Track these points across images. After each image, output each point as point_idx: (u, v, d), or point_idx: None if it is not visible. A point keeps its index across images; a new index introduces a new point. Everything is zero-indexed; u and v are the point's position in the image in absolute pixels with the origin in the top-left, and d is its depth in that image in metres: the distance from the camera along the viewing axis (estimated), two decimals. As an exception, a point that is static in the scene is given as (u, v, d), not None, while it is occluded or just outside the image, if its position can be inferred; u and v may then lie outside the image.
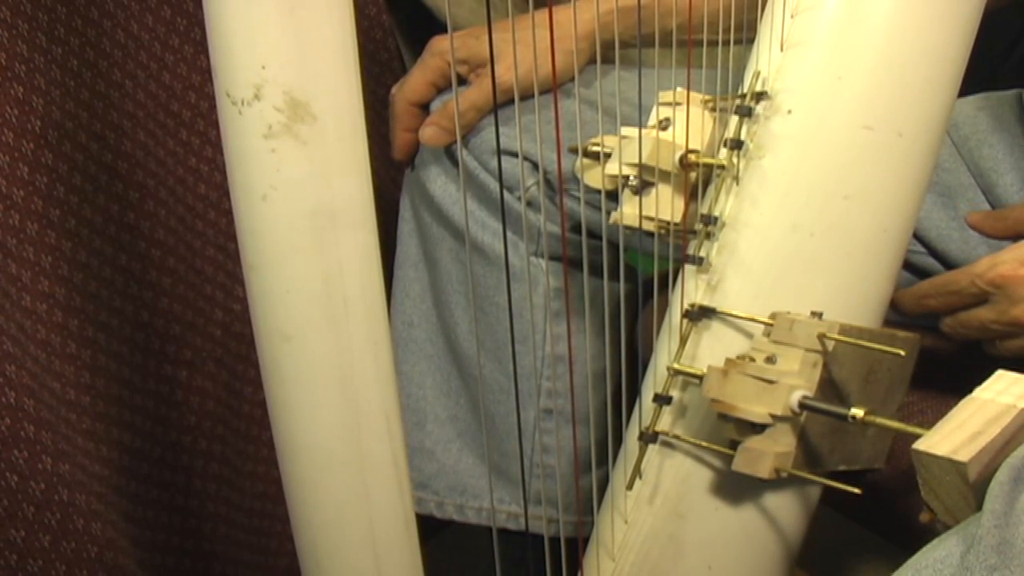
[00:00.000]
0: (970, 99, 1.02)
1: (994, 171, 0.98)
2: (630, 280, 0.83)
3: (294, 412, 0.65)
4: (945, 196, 0.99)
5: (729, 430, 0.77)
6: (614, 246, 0.91)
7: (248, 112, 0.58)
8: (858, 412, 0.72)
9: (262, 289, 0.62)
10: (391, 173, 1.18)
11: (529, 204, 1.04)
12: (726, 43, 0.80)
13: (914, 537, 0.63)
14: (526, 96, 0.89)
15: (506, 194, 1.03)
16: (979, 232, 0.94)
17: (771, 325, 0.76)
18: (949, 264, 0.99)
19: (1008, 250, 0.79)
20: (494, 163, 1.05)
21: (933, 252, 1.00)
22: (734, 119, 0.80)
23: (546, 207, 1.04)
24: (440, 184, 1.08)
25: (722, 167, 0.79)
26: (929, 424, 0.66)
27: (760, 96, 0.79)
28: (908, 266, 1.01)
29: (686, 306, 0.81)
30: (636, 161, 0.81)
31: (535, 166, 1.01)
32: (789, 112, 0.79)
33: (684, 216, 0.82)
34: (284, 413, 0.65)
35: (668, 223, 0.81)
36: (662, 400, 0.81)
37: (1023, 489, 0.56)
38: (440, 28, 1.46)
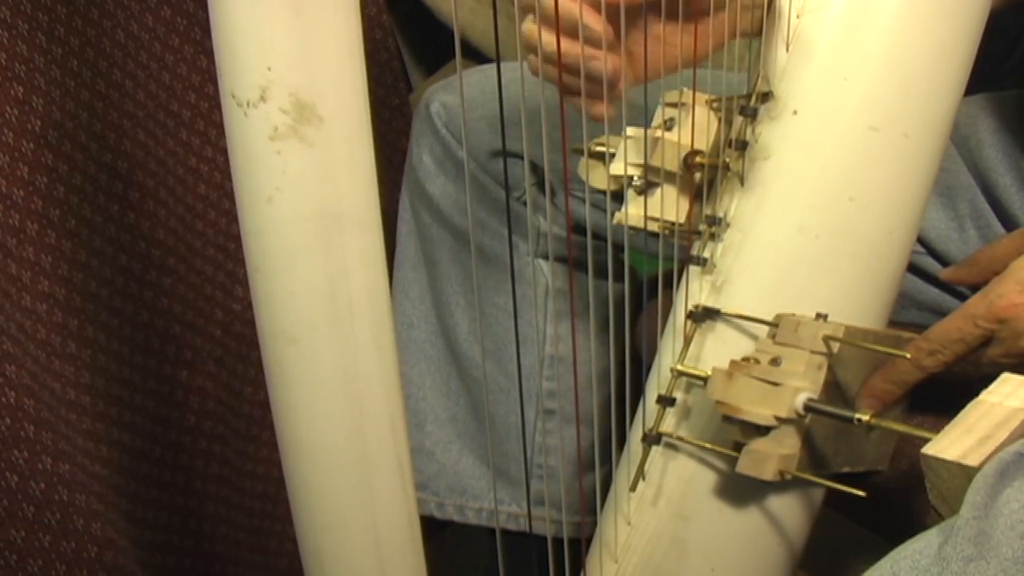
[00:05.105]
0: (970, 99, 1.02)
1: (994, 171, 0.97)
2: (630, 280, 0.83)
3: (298, 414, 0.64)
4: (945, 196, 0.99)
5: (733, 432, 0.77)
6: (616, 246, 0.91)
7: (254, 114, 0.58)
8: (864, 415, 0.72)
9: (267, 291, 0.62)
10: (390, 173, 1.18)
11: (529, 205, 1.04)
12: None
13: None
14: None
15: (504, 195, 1.03)
16: (958, 284, 0.93)
17: (776, 327, 0.76)
18: (948, 264, 0.99)
19: (998, 282, 0.77)
20: (493, 164, 1.05)
21: (932, 252, 1.00)
22: (739, 120, 0.80)
23: (543, 207, 1.04)
24: (439, 185, 1.08)
25: (727, 168, 0.79)
26: (931, 426, 0.66)
27: (765, 97, 0.79)
28: (908, 267, 1.00)
29: (690, 307, 0.80)
30: (640, 161, 0.81)
31: (536, 167, 1.00)
32: (795, 113, 0.79)
33: (688, 217, 0.82)
34: (288, 415, 0.65)
35: (672, 224, 0.81)
36: (666, 402, 0.81)
37: (1008, 483, 0.56)
38: (440, 27, 1.46)
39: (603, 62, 0.76)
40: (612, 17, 0.75)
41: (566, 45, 0.75)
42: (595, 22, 0.74)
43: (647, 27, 0.77)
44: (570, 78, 0.76)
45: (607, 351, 0.85)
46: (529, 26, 0.77)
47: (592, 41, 0.75)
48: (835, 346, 0.75)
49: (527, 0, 0.76)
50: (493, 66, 1.07)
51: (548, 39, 0.75)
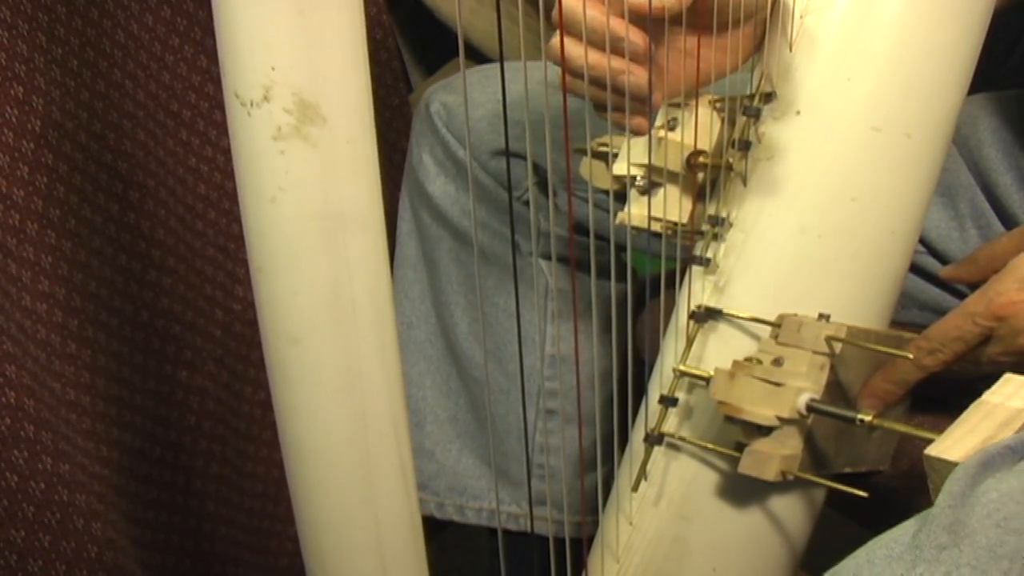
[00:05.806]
0: (970, 99, 1.02)
1: (994, 171, 0.97)
2: (631, 280, 0.83)
3: (301, 415, 0.64)
4: (945, 196, 0.99)
5: (735, 432, 0.77)
6: (617, 247, 0.90)
7: (257, 113, 0.58)
8: (866, 415, 0.72)
9: (270, 291, 0.62)
10: (390, 173, 1.18)
11: (528, 204, 1.04)
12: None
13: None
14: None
15: (505, 195, 1.03)
16: (957, 282, 0.93)
17: (778, 327, 0.76)
18: (949, 264, 0.99)
19: (997, 280, 0.77)
20: (493, 163, 1.05)
21: (933, 252, 1.00)
22: (742, 120, 0.80)
23: (544, 207, 1.04)
24: (439, 184, 1.08)
25: (730, 168, 0.79)
26: (932, 426, 0.66)
27: (769, 97, 0.79)
28: (909, 266, 1.00)
29: (692, 307, 0.80)
30: (643, 161, 0.80)
31: (537, 166, 1.00)
32: (798, 113, 0.78)
33: (691, 217, 0.82)
34: (291, 415, 0.65)
35: (675, 224, 0.81)
36: (668, 402, 0.81)
37: (990, 474, 0.56)
38: (440, 27, 1.46)
39: (641, 74, 0.75)
40: (642, 30, 0.75)
41: (601, 59, 0.75)
42: (635, 35, 0.74)
43: (673, 41, 0.77)
44: (603, 93, 0.76)
45: (609, 351, 0.85)
46: (558, 41, 0.76)
47: (626, 54, 0.74)
48: (837, 346, 0.74)
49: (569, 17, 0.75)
50: (493, 66, 1.08)
51: (581, 53, 0.75)
